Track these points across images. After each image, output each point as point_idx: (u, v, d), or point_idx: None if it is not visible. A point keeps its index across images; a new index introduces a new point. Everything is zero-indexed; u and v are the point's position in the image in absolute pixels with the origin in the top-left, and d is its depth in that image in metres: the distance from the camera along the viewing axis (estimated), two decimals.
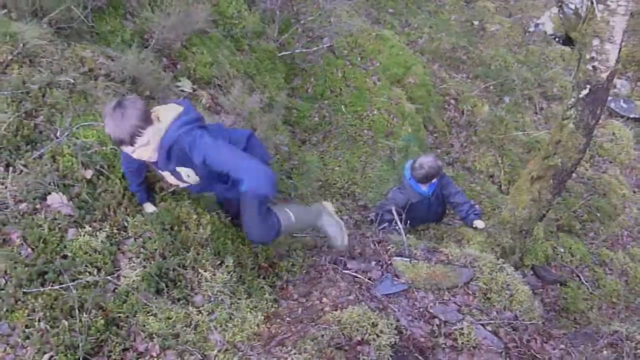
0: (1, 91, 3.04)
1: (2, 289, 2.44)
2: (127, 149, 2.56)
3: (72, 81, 3.34)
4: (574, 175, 6.17)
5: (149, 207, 3.06)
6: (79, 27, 3.94)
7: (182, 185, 2.91)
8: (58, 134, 3.04)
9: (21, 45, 3.29)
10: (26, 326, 2.38)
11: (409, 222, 3.76)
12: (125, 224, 2.89)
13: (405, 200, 4.36)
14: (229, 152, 2.61)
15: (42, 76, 3.23)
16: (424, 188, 4.41)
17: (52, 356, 2.33)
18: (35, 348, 2.32)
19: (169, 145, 2.58)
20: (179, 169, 2.73)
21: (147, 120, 2.50)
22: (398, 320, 2.99)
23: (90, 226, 2.78)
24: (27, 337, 2.35)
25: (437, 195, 4.52)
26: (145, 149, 2.56)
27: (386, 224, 4.16)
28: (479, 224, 4.40)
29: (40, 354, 2.31)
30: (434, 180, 4.35)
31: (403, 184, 4.52)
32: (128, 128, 2.45)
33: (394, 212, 3.93)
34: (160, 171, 2.83)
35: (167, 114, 2.61)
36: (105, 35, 4.17)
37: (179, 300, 2.81)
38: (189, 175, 2.78)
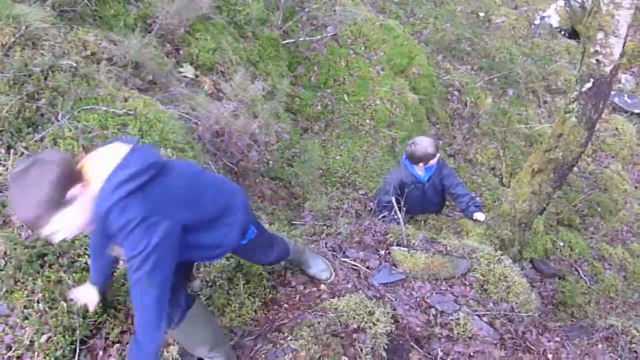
0: (3, 73, 3.05)
1: (2, 270, 2.46)
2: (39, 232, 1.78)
3: (75, 65, 3.35)
4: (575, 169, 6.17)
5: (91, 305, 2.39)
6: (82, 10, 3.93)
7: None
8: (60, 117, 3.05)
9: (24, 27, 3.29)
10: (25, 307, 2.41)
11: (404, 209, 3.74)
12: None
13: (398, 180, 4.32)
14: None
15: (45, 59, 3.23)
16: (418, 172, 4.35)
17: (50, 337, 2.36)
18: (34, 329, 2.34)
19: (99, 216, 1.79)
20: (111, 248, 2.05)
21: (57, 202, 1.69)
22: (394, 309, 3.01)
23: None
24: (26, 318, 2.37)
25: (435, 185, 4.48)
26: (63, 232, 1.79)
27: (386, 213, 4.16)
28: (479, 216, 4.39)
29: (38, 334, 2.34)
30: (421, 164, 4.27)
31: (399, 164, 4.50)
32: (30, 212, 1.69)
33: (393, 200, 3.92)
34: None
35: (101, 166, 1.78)
36: (109, 19, 4.16)
37: None
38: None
